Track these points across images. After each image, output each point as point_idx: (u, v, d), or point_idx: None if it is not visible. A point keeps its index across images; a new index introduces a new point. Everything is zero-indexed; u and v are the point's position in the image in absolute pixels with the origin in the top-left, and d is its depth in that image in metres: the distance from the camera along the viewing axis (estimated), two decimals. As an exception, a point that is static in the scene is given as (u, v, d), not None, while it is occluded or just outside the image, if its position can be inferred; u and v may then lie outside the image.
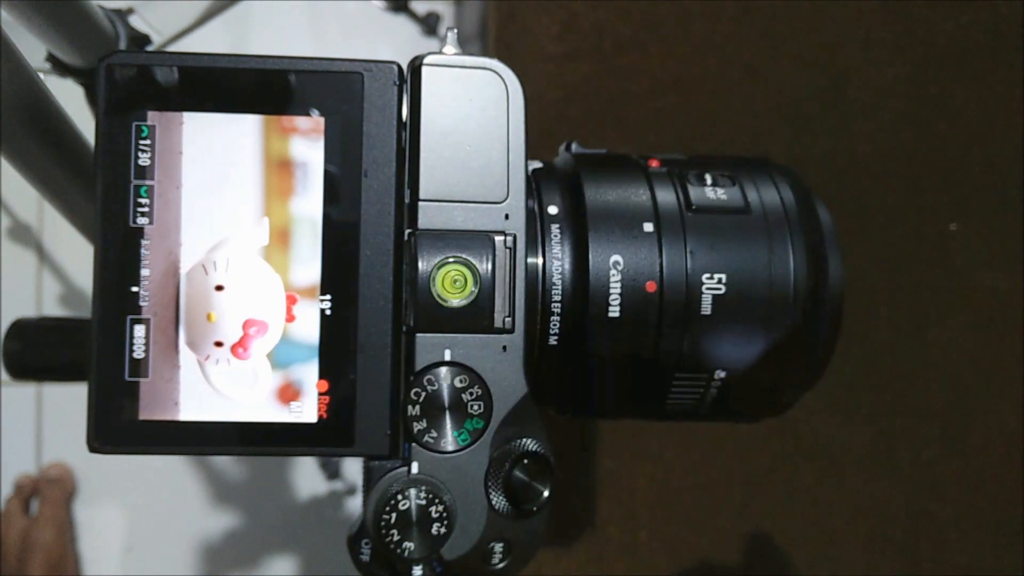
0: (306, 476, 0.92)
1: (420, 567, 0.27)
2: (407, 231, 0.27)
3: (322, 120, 0.27)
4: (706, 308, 0.28)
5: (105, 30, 0.52)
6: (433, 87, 0.27)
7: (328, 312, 0.27)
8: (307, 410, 0.27)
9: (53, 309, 0.92)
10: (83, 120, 0.43)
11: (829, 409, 0.70)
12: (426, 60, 0.27)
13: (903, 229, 0.71)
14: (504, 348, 0.27)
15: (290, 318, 0.26)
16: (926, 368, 0.70)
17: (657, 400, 0.30)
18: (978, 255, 0.71)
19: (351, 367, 0.27)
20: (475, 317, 0.27)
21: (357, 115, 0.27)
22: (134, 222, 0.26)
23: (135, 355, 0.26)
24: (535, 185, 0.30)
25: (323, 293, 0.27)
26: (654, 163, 0.31)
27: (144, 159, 0.26)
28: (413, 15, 0.95)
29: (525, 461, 0.27)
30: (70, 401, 0.71)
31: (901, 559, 0.70)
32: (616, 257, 0.28)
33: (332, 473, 0.89)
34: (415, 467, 0.27)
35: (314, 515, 0.92)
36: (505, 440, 0.27)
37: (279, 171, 0.26)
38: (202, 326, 0.26)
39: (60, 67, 0.52)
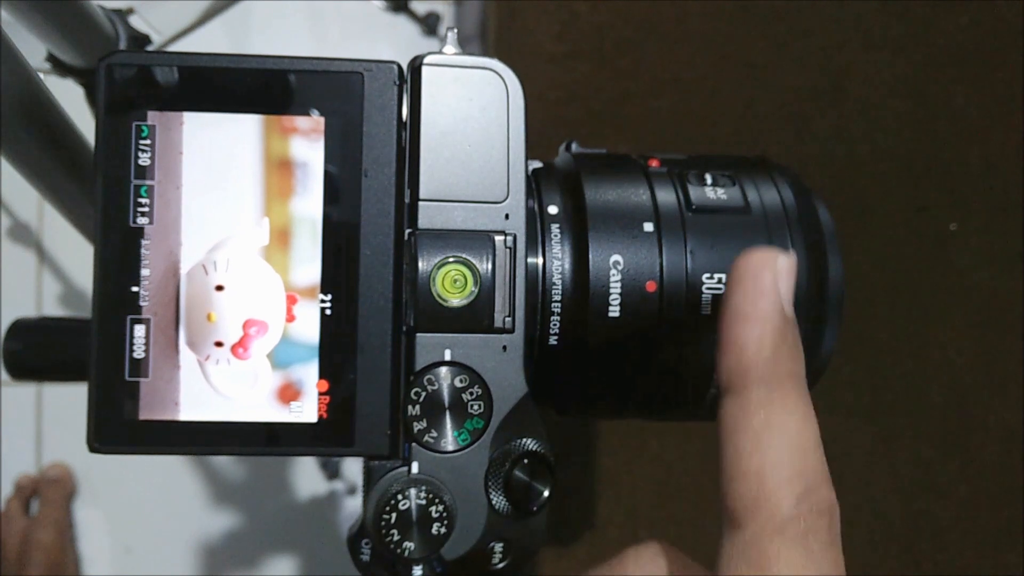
0: (306, 476, 0.92)
1: (420, 567, 0.27)
2: (407, 231, 0.27)
3: (322, 120, 0.27)
4: (706, 308, 0.28)
5: (105, 30, 0.52)
6: (433, 87, 0.27)
7: (328, 312, 0.27)
8: (307, 410, 0.27)
9: (53, 309, 0.92)
10: (83, 120, 0.43)
11: (829, 409, 0.69)
12: (426, 60, 0.27)
13: (903, 229, 0.70)
14: (504, 348, 0.27)
15: (290, 318, 0.26)
16: (926, 368, 0.70)
17: (657, 400, 0.30)
18: (978, 255, 0.71)
19: (351, 367, 0.27)
20: (475, 317, 0.27)
21: (357, 115, 0.27)
22: (134, 222, 0.26)
23: (135, 355, 0.26)
24: (535, 185, 0.30)
25: (323, 293, 0.27)
26: (654, 163, 0.31)
27: (144, 159, 0.26)
28: (413, 15, 0.95)
29: (525, 461, 0.27)
30: (70, 401, 0.71)
31: (901, 559, 0.70)
32: (616, 257, 0.28)
33: (332, 473, 0.89)
34: (415, 467, 0.27)
35: (314, 515, 0.92)
36: (505, 440, 0.27)
37: (279, 171, 0.26)
38: (202, 326, 0.26)
39: (60, 67, 0.52)
